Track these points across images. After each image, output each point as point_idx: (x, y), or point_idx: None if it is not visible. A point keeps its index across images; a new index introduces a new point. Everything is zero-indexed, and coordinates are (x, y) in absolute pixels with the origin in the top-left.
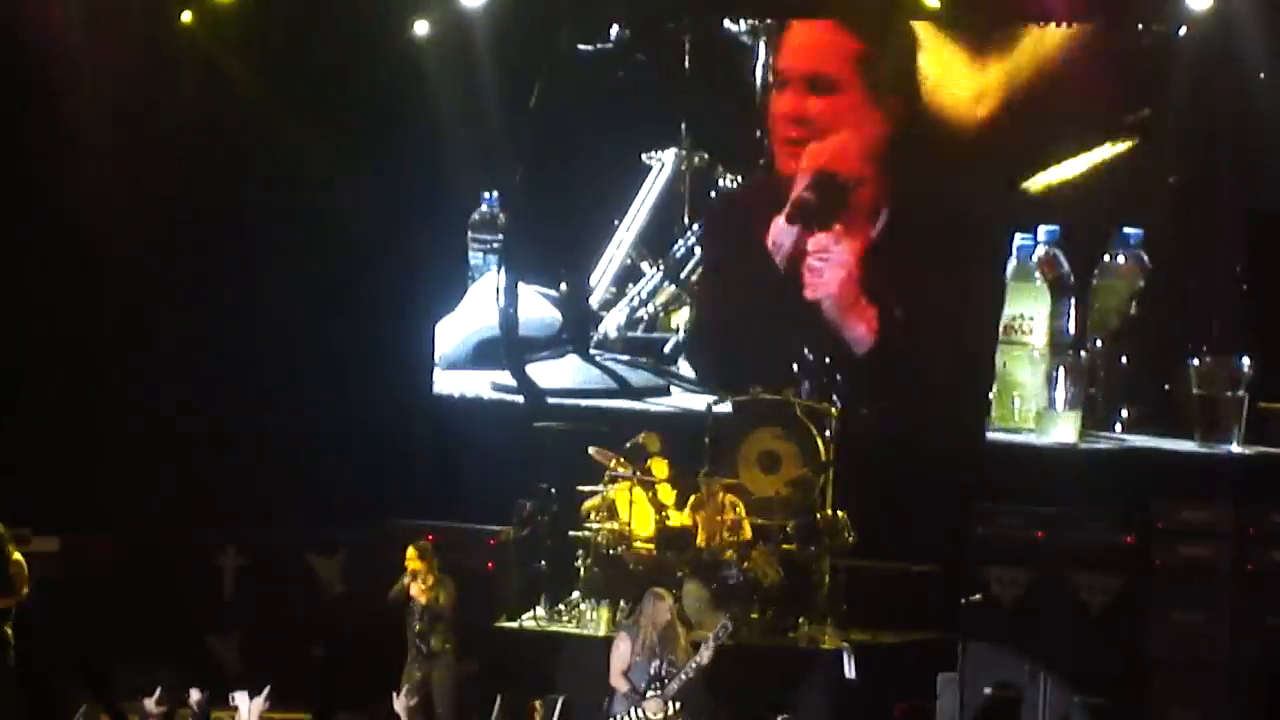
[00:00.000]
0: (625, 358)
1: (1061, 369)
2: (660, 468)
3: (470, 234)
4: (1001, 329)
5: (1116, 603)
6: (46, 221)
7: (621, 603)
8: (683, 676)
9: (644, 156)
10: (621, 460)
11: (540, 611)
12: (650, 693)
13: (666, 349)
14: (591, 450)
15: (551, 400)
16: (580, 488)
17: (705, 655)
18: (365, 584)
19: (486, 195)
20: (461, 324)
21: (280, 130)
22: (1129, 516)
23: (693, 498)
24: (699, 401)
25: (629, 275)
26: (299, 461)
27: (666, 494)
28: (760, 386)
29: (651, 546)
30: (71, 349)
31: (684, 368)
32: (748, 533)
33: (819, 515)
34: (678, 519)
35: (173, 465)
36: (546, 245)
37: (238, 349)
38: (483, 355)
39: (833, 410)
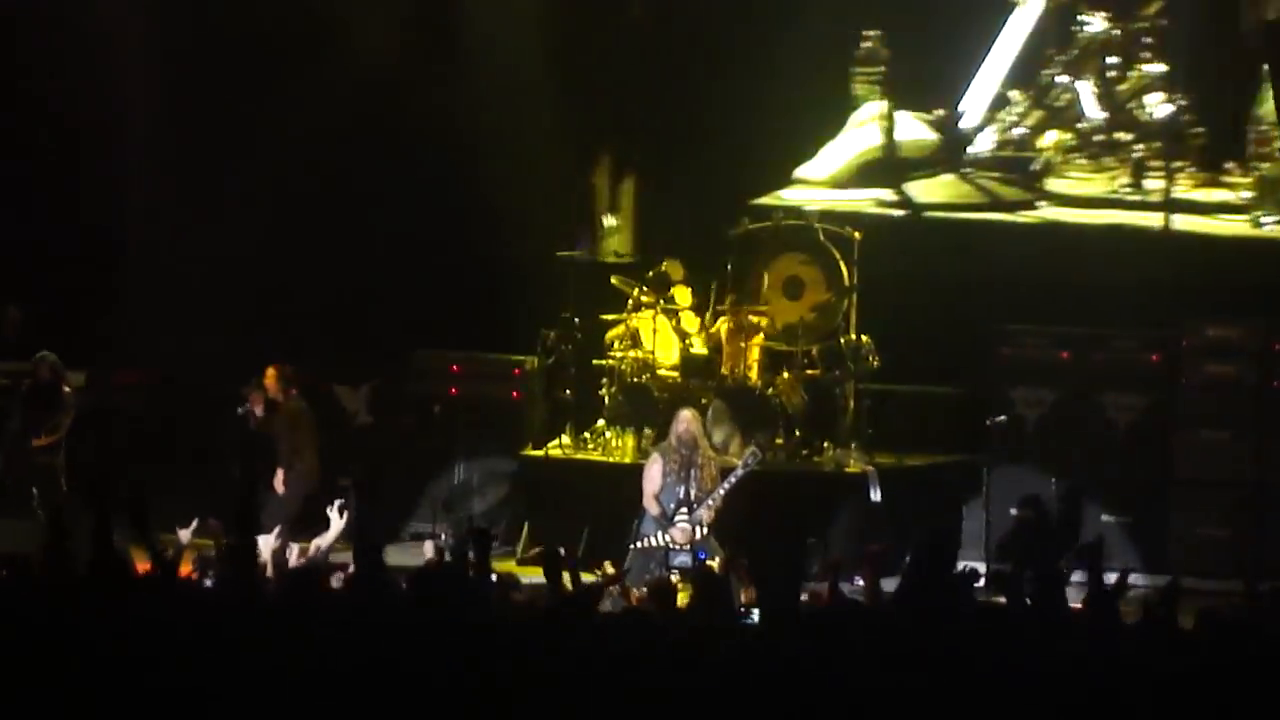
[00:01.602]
0: (996, 174)
1: None
2: (683, 295)
3: (853, 68)
4: None
5: (1143, 422)
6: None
7: (646, 430)
8: (710, 502)
9: None
10: (644, 289)
11: (566, 439)
12: (678, 517)
13: (1033, 167)
14: (614, 279)
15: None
16: (604, 316)
17: (732, 480)
18: (390, 415)
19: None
20: (846, 147)
21: None
22: (1156, 335)
23: (717, 324)
24: (1065, 215)
25: (999, 102)
26: (325, 294)
27: (690, 321)
28: (783, 212)
29: (676, 374)
30: (99, 183)
31: (1050, 183)
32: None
33: (843, 340)
34: (701, 346)
35: (200, 298)
36: (924, 76)
37: (267, 184)
38: (866, 175)
39: (855, 235)
